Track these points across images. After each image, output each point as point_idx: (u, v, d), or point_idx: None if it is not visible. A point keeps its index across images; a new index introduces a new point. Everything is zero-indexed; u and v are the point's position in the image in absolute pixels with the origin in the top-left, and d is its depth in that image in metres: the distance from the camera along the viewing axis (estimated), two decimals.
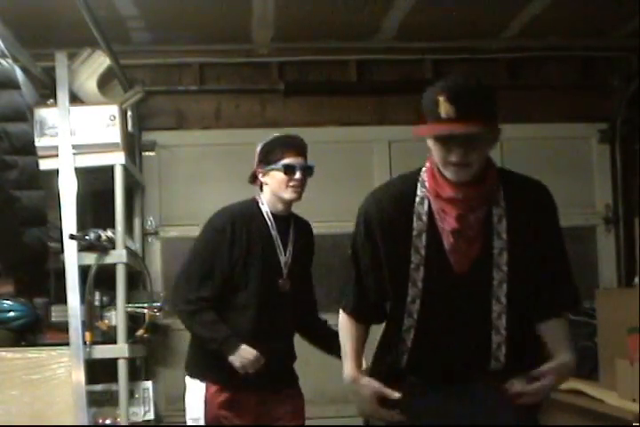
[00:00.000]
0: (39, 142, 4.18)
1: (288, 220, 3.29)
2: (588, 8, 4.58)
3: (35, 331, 4.16)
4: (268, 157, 3.27)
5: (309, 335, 3.37)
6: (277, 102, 5.20)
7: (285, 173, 3.20)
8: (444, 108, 2.22)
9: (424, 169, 2.38)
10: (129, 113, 4.71)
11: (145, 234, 4.97)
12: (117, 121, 4.28)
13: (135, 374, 4.52)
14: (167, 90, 5.16)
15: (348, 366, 2.45)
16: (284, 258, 3.21)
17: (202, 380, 3.14)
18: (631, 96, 5.15)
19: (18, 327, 4.11)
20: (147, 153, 5.10)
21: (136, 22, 4.66)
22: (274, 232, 3.22)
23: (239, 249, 3.14)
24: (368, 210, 2.40)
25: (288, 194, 3.22)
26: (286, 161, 3.22)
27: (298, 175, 3.21)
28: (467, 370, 2.34)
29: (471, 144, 2.21)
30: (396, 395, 2.33)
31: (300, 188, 3.24)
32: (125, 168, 4.31)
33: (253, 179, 3.33)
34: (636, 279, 4.50)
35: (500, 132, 2.30)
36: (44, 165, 4.07)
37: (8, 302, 4.11)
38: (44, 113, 4.24)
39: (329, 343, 3.11)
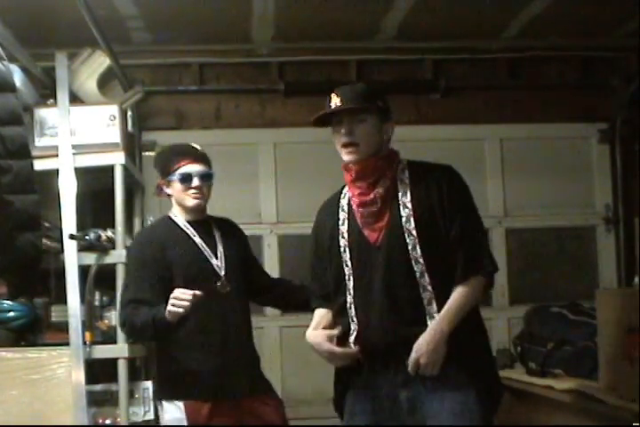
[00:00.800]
0: (39, 142, 4.19)
1: (208, 223, 3.30)
2: (588, 8, 4.58)
3: (35, 331, 4.16)
4: (165, 168, 3.28)
5: (275, 300, 3.52)
6: (277, 102, 5.20)
7: (182, 182, 3.21)
8: (333, 100, 2.69)
9: None
10: (129, 113, 4.70)
11: None
12: (117, 121, 4.28)
13: (135, 374, 4.52)
14: (167, 90, 5.17)
15: (311, 327, 2.79)
16: (216, 261, 3.21)
17: (179, 399, 3.11)
18: (631, 96, 5.15)
19: (18, 327, 4.11)
20: (147, 153, 5.10)
21: (136, 22, 4.66)
22: (197, 239, 3.23)
23: (164, 266, 3.15)
24: (317, 217, 2.89)
25: (189, 201, 3.23)
26: (182, 170, 3.22)
27: (195, 182, 3.22)
28: (408, 338, 2.55)
29: (354, 126, 2.66)
30: (336, 331, 2.68)
31: (201, 193, 3.24)
32: (125, 168, 4.31)
33: (159, 191, 3.35)
34: (636, 279, 4.50)
35: (391, 125, 2.77)
36: (44, 165, 4.07)
37: (8, 302, 4.11)
38: (43, 113, 4.24)
39: (290, 297, 3.35)
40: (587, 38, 5.13)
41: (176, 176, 3.21)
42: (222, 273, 3.20)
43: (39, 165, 3.95)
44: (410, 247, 2.60)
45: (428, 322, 2.57)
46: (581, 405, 3.50)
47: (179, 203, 3.26)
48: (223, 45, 5.10)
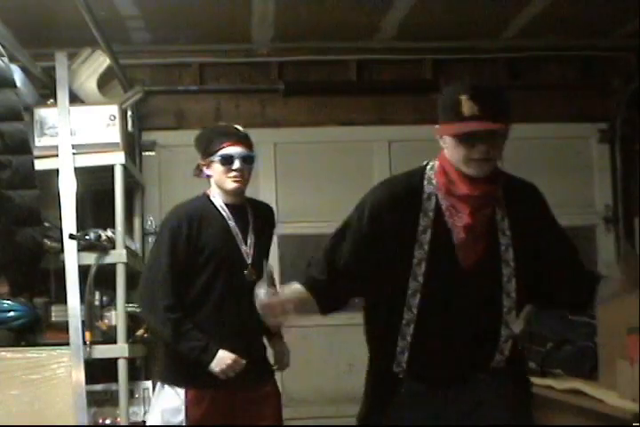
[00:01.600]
0: (39, 142, 4.19)
1: (244, 208, 3.24)
2: (588, 8, 4.58)
3: (35, 331, 4.16)
4: (207, 148, 3.21)
5: None
6: (277, 102, 5.20)
7: (223, 164, 3.15)
8: (467, 107, 2.31)
9: (429, 167, 2.47)
10: (129, 113, 4.70)
11: (145, 234, 4.97)
12: (117, 121, 4.28)
13: (135, 374, 4.52)
14: (167, 90, 5.16)
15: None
16: (245, 248, 3.16)
17: (181, 386, 3.08)
18: (631, 96, 5.15)
19: (18, 327, 4.11)
20: (147, 153, 5.10)
21: (136, 22, 4.66)
22: (231, 223, 3.17)
23: (197, 245, 3.10)
24: (379, 197, 2.43)
25: (229, 184, 3.17)
26: (224, 151, 3.16)
27: (237, 165, 3.15)
28: (468, 368, 2.38)
29: (492, 140, 2.36)
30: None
31: (242, 177, 3.18)
32: (125, 168, 4.31)
33: (198, 172, 3.28)
34: None
35: (510, 130, 2.46)
36: (44, 165, 4.07)
37: (8, 301, 4.11)
38: (43, 113, 4.24)
39: None
40: (587, 38, 5.13)
41: (217, 157, 3.15)
42: (249, 261, 3.15)
43: (39, 164, 3.96)
44: (505, 279, 2.38)
45: (496, 357, 2.38)
46: (581, 405, 3.50)
47: (218, 185, 3.20)
48: (223, 45, 5.10)
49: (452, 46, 5.15)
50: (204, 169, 3.23)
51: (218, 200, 3.21)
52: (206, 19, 4.62)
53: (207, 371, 3.03)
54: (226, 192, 3.20)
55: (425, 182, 2.43)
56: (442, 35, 4.98)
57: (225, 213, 3.18)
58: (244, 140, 3.22)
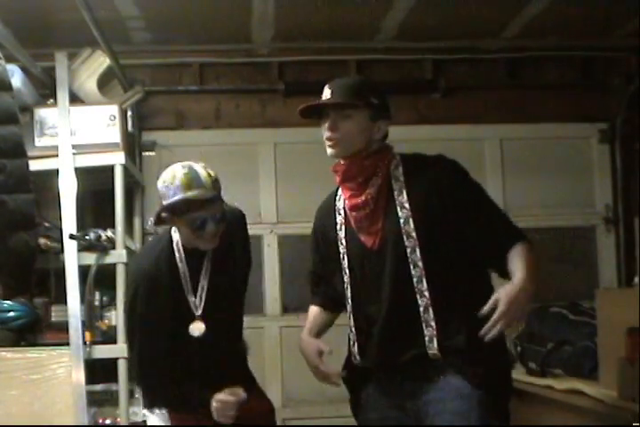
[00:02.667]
0: (39, 142, 4.19)
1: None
2: (588, 8, 4.58)
3: (35, 331, 4.16)
4: (171, 207, 2.70)
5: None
6: (277, 102, 5.20)
7: (194, 229, 2.70)
8: (324, 92, 2.61)
9: None
10: (129, 113, 4.70)
11: (145, 234, 4.97)
12: (117, 121, 4.28)
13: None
14: (167, 90, 5.16)
15: (304, 332, 2.76)
16: (193, 299, 2.80)
17: (167, 410, 2.91)
18: (631, 96, 5.15)
19: (18, 327, 4.11)
20: (147, 153, 5.11)
21: (136, 22, 4.66)
22: (183, 271, 2.80)
23: (154, 304, 2.77)
24: (315, 218, 2.78)
25: (202, 245, 2.77)
26: (194, 216, 2.68)
27: (210, 228, 2.71)
28: (407, 345, 2.45)
29: (339, 121, 2.51)
30: (328, 348, 2.60)
31: (213, 237, 2.74)
32: (125, 168, 4.31)
33: (157, 220, 2.76)
34: (636, 279, 4.49)
35: (385, 123, 2.60)
36: (44, 165, 4.07)
37: (8, 302, 4.11)
38: (43, 113, 4.24)
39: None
40: (587, 38, 5.12)
41: (185, 221, 2.71)
42: (198, 313, 2.81)
43: (39, 165, 3.96)
44: (409, 251, 2.43)
45: (425, 331, 2.41)
46: (581, 405, 3.50)
47: (185, 243, 2.81)
48: (223, 45, 5.10)
49: (452, 46, 5.14)
50: (167, 221, 2.78)
51: (179, 246, 2.82)
52: (206, 19, 4.62)
53: (188, 397, 2.81)
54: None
55: (340, 187, 2.65)
56: (442, 35, 4.98)
57: (180, 255, 2.81)
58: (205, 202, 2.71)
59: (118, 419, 4.15)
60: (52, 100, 4.33)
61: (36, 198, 3.76)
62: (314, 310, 2.82)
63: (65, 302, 4.01)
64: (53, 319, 4.20)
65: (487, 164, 5.27)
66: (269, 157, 5.21)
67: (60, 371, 3.94)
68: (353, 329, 2.58)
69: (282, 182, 5.19)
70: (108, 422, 4.19)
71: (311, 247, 2.79)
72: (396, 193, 2.49)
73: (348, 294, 2.57)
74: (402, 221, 2.46)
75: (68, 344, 3.96)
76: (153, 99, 5.09)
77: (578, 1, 4.49)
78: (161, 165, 5.08)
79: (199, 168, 2.72)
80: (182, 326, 2.80)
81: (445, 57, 5.21)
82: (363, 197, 2.50)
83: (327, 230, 2.64)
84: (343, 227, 2.58)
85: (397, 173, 2.53)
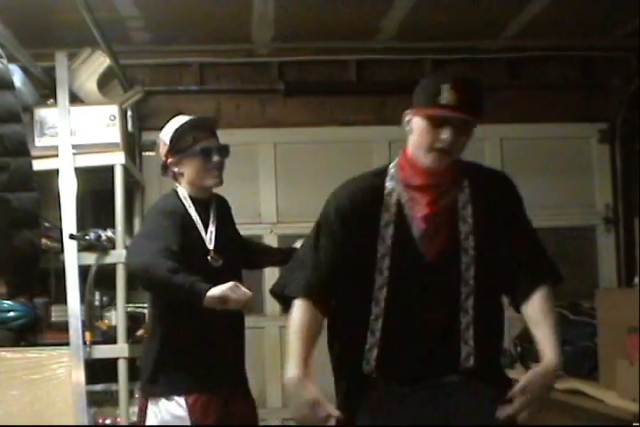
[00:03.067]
0: (39, 142, 4.19)
1: (209, 202, 3.10)
2: (588, 8, 4.58)
3: (35, 331, 4.16)
4: (178, 143, 3.02)
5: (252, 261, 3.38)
6: (277, 102, 5.20)
7: (203, 159, 2.99)
8: (447, 95, 2.28)
9: (392, 164, 2.48)
10: (129, 113, 4.71)
11: None
12: (117, 121, 4.28)
13: (135, 375, 4.51)
14: (167, 90, 5.17)
15: (294, 364, 2.30)
16: (206, 236, 2.99)
17: (180, 395, 2.90)
18: (631, 96, 5.15)
19: (18, 327, 4.11)
20: (147, 153, 5.10)
21: (136, 22, 4.66)
22: (195, 216, 3.00)
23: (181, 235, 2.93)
24: (341, 200, 2.44)
25: (210, 181, 3.04)
26: (202, 145, 3.00)
27: (216, 158, 3.02)
28: (439, 366, 2.35)
29: (460, 133, 2.30)
30: (337, 413, 2.23)
31: (220, 171, 3.04)
32: (125, 168, 4.31)
33: (164, 170, 3.10)
34: (636, 279, 4.50)
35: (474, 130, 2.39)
36: (44, 165, 4.07)
37: (8, 302, 4.11)
38: (43, 113, 4.24)
39: (263, 255, 3.33)
40: (587, 38, 5.13)
41: (195, 152, 2.99)
42: (211, 247, 2.99)
43: (39, 165, 3.96)
44: (463, 267, 2.35)
45: (462, 348, 2.34)
46: (581, 405, 3.50)
47: (193, 182, 3.04)
48: (223, 45, 5.10)
49: (452, 46, 5.14)
50: (172, 167, 3.06)
51: (188, 201, 3.04)
52: (206, 19, 4.62)
53: (204, 375, 2.91)
54: (202, 189, 3.06)
55: (387, 178, 2.44)
56: (442, 35, 4.98)
57: (192, 210, 3.02)
58: (215, 132, 3.10)
59: (118, 419, 4.15)
60: (51, 100, 4.33)
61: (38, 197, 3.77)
62: (306, 311, 2.37)
63: (65, 302, 4.01)
64: (53, 319, 4.20)
65: (487, 163, 5.24)
66: (269, 157, 5.21)
67: (60, 371, 3.94)
68: (377, 334, 2.37)
69: (282, 182, 5.19)
70: (108, 422, 4.20)
71: (322, 230, 2.44)
72: (460, 205, 2.39)
73: (382, 297, 2.36)
74: (462, 236, 2.37)
75: (68, 344, 3.96)
76: (153, 99, 5.09)
77: (578, 1, 4.49)
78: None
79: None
80: (197, 261, 2.92)
81: (445, 57, 5.21)
82: (438, 208, 2.37)
83: (364, 220, 2.40)
84: (391, 226, 2.38)
85: (462, 185, 2.42)
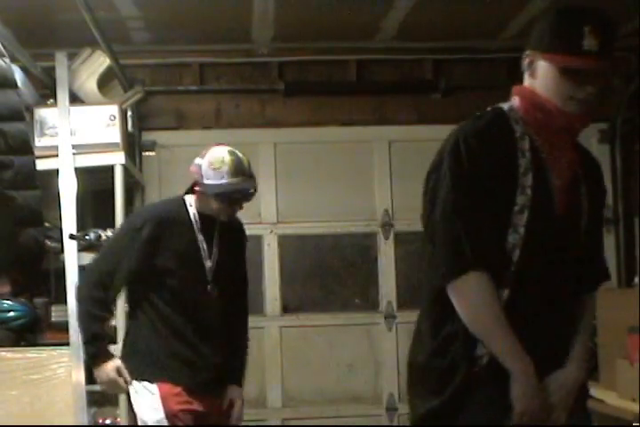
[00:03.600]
0: (39, 142, 4.19)
1: (215, 221, 3.07)
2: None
3: (35, 331, 4.16)
4: (208, 179, 2.99)
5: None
6: (277, 102, 5.21)
7: (221, 200, 3.00)
8: (589, 40, 2.07)
9: (505, 108, 2.23)
10: (129, 113, 4.71)
11: None
12: (117, 121, 4.28)
13: None
14: (167, 90, 5.17)
15: (519, 356, 1.96)
16: (209, 263, 3.02)
17: (151, 381, 2.98)
18: (631, 96, 5.15)
19: (18, 327, 4.11)
20: (147, 153, 5.11)
21: (136, 22, 4.66)
22: (200, 236, 3.02)
23: (158, 248, 2.96)
24: (468, 142, 2.09)
25: (222, 216, 3.06)
26: (227, 188, 2.96)
27: (238, 208, 3.07)
28: (563, 341, 2.07)
29: (599, 80, 2.09)
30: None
31: (235, 211, 3.09)
32: (125, 168, 4.31)
33: (190, 188, 3.10)
34: (636, 279, 4.50)
35: None
36: (44, 164, 4.07)
37: (8, 302, 4.11)
38: (43, 113, 4.24)
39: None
40: None
41: (216, 193, 2.97)
42: (210, 278, 3.02)
43: (39, 164, 3.95)
44: (583, 231, 2.08)
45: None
46: None
47: (205, 204, 3.03)
48: (223, 45, 5.11)
49: (452, 46, 5.15)
50: (196, 188, 3.05)
51: (193, 209, 3.05)
52: (206, 19, 4.62)
53: (177, 368, 2.98)
54: (212, 212, 3.05)
55: (512, 122, 2.12)
56: (442, 35, 4.98)
57: (196, 223, 3.04)
58: (250, 174, 3.06)
59: (118, 419, 4.15)
60: (51, 100, 4.33)
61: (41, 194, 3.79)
62: (485, 287, 1.96)
63: (65, 302, 4.01)
64: (53, 319, 4.20)
65: None
66: (269, 157, 5.21)
67: (60, 371, 3.94)
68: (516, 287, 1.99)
69: (282, 182, 5.19)
70: (108, 422, 4.20)
71: (453, 183, 2.04)
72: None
73: (516, 255, 1.97)
74: (582, 197, 2.10)
75: (68, 344, 3.96)
76: (153, 99, 5.09)
77: (578, 1, 4.49)
78: (161, 165, 5.13)
79: (240, 155, 3.04)
80: (194, 289, 3.00)
81: (445, 57, 5.21)
82: (575, 156, 2.12)
83: (502, 164, 2.03)
84: (530, 174, 2.01)
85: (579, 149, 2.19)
